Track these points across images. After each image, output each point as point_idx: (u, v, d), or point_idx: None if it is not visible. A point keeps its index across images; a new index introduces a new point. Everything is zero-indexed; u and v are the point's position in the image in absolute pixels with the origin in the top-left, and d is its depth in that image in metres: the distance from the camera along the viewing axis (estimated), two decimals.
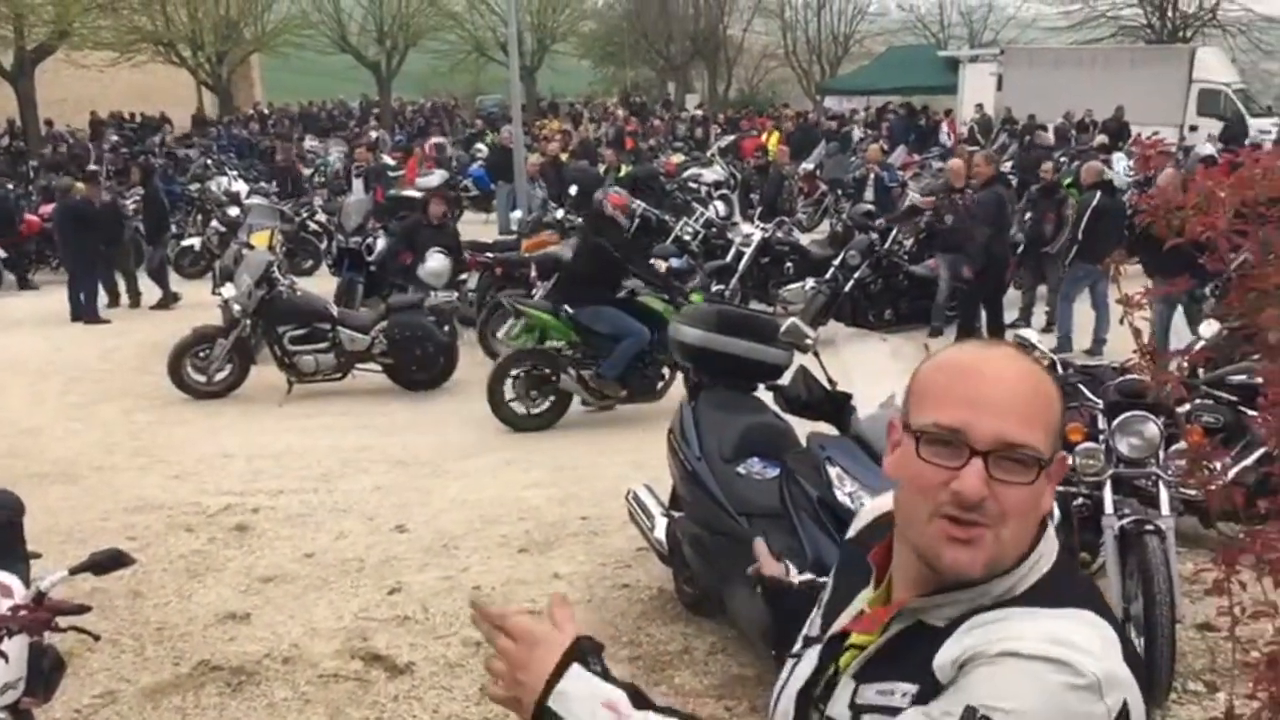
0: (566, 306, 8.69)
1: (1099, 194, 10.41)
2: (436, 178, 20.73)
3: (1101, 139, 19.21)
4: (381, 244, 12.37)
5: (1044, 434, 1.25)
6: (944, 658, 1.24)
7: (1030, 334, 5.73)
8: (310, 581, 5.78)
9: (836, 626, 1.41)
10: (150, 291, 14.22)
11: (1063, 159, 17.24)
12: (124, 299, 14.20)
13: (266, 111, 39.26)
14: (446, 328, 10.01)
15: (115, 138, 28.52)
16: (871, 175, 16.55)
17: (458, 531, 6.44)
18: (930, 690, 1.23)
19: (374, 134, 28.98)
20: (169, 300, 14.09)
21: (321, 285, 12.33)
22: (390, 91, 43.21)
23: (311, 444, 8.43)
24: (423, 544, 6.27)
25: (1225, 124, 25.21)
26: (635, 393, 8.75)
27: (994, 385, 1.25)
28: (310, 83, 46.94)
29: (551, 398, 8.72)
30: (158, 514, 6.81)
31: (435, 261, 10.87)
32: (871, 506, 1.59)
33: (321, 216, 16.26)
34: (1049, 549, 1.31)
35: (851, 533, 1.58)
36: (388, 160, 21.16)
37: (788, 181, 17.28)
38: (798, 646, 1.51)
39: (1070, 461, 4.70)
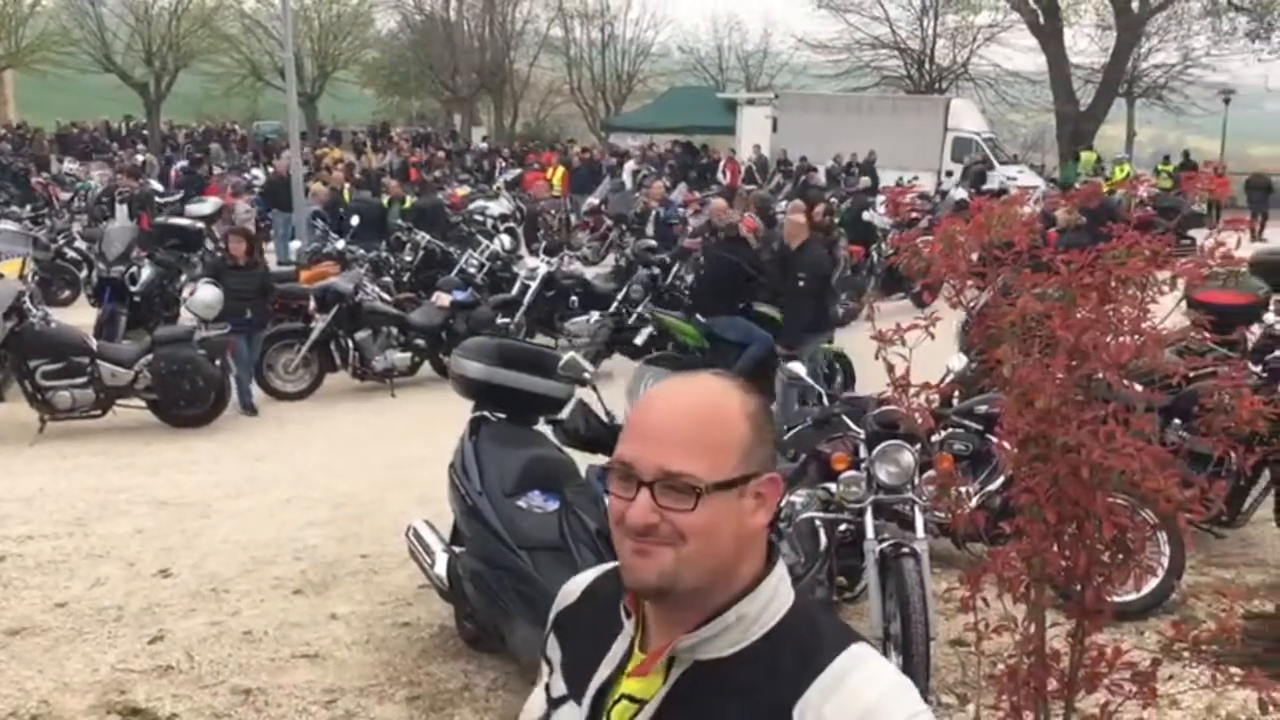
0: (699, 316, 9.58)
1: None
2: (209, 205, 19.92)
3: (865, 181, 20.33)
4: (147, 273, 11.80)
5: (709, 461, 1.29)
6: None
7: (798, 367, 5.99)
8: (62, 633, 5.41)
9: (599, 680, 1.41)
10: None
11: (833, 199, 18.15)
12: None
13: (23, 132, 36.75)
14: (218, 361, 9.60)
15: None
16: (653, 211, 16.96)
17: (228, 574, 6.17)
18: None
19: (140, 158, 27.59)
20: None
21: (81, 316, 11.60)
22: (159, 114, 41.25)
23: (66, 485, 7.91)
24: (189, 589, 5.97)
25: (965, 167, 27.08)
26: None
27: (662, 418, 1.32)
28: (70, 101, 44.29)
29: None
30: None
31: (206, 292, 10.42)
32: (568, 590, 1.59)
33: (81, 244, 15.32)
34: (781, 573, 1.38)
35: (563, 605, 1.57)
36: (155, 185, 20.19)
37: (543, 215, 17.54)
38: (537, 712, 1.52)
39: (835, 489, 4.94)
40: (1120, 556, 3.34)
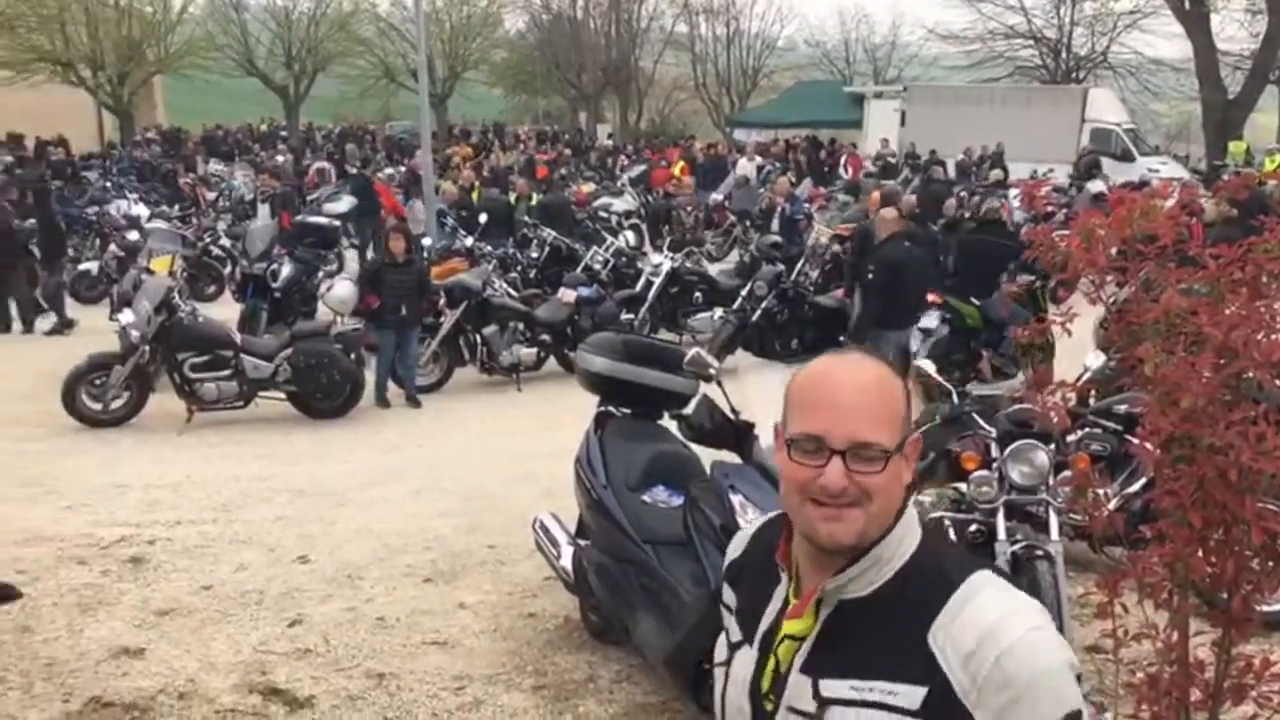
0: (973, 299, 10.12)
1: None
2: (345, 204, 20.52)
3: (997, 174, 19.80)
4: (287, 270, 12.21)
5: (889, 429, 1.50)
6: (949, 654, 1.43)
7: (927, 364, 5.88)
8: (208, 614, 5.65)
9: (766, 623, 1.61)
10: (44, 317, 13.81)
11: (963, 194, 17.74)
12: (16, 325, 13.77)
13: (177, 133, 38.51)
14: (353, 355, 9.90)
15: (9, 159, 27.66)
16: (778, 207, 16.83)
17: (362, 561, 6.36)
18: (942, 693, 1.42)
19: (280, 159, 28.59)
20: (64, 326, 13.69)
21: (225, 312, 12.11)
22: (299, 116, 42.68)
23: (212, 473, 8.25)
24: (326, 575, 6.17)
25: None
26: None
27: (848, 394, 1.50)
28: (215, 105, 46.14)
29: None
30: (48, 546, 6.60)
31: (341, 288, 10.75)
32: (738, 541, 1.81)
33: (225, 242, 15.99)
34: (912, 515, 1.57)
35: (733, 556, 1.79)
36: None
37: (674, 211, 17.52)
38: (723, 655, 1.70)
39: (965, 489, 4.84)
40: (1270, 564, 3.19)
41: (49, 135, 32.21)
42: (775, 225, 16.43)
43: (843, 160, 29.60)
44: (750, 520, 4.15)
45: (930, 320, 10.17)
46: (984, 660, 1.40)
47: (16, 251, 13.67)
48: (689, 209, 18.08)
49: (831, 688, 1.49)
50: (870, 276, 9.42)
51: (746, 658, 1.63)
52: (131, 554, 6.47)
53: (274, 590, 5.95)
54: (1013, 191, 16.58)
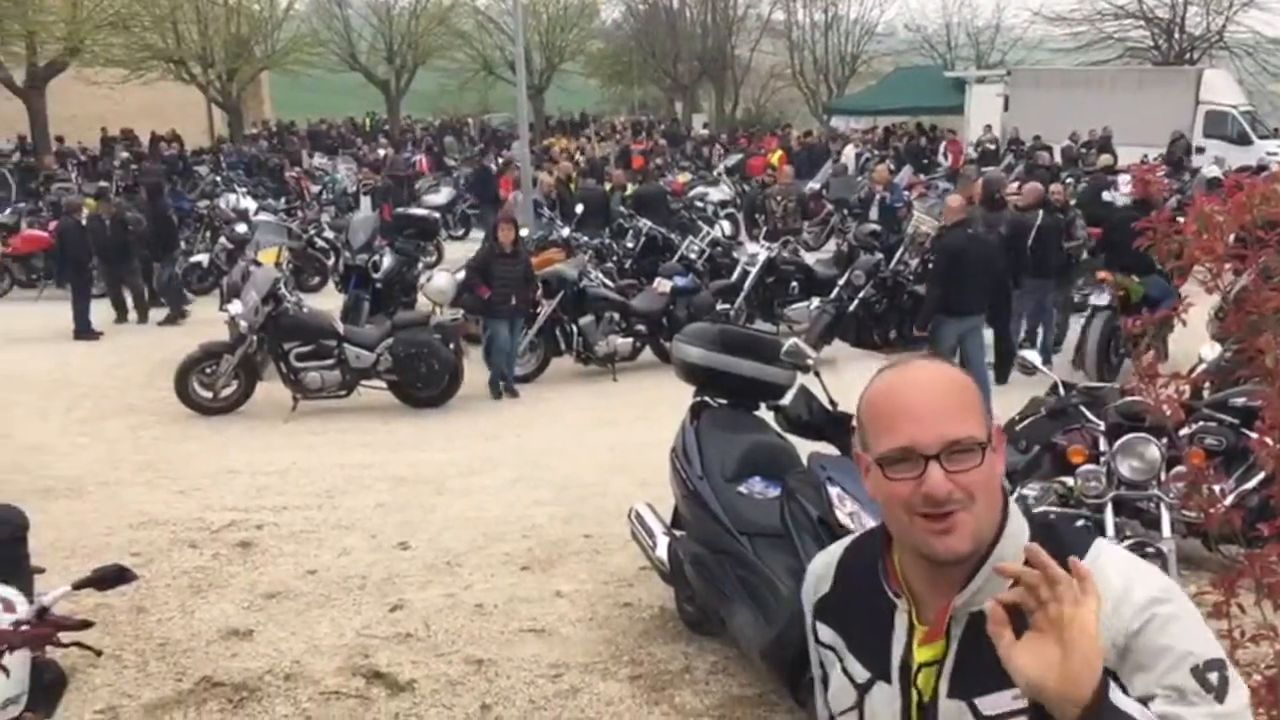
0: (1134, 276, 9.81)
1: (1040, 213, 10.83)
2: (443, 195, 20.83)
3: (1106, 159, 19.22)
4: (388, 261, 12.42)
5: (974, 420, 1.46)
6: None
7: (1033, 355, 5.74)
8: (313, 598, 5.79)
9: (898, 656, 1.53)
10: (159, 307, 14.31)
11: (1069, 179, 17.25)
12: (131, 315, 14.28)
13: (274, 128, 39.52)
14: (452, 345, 10.03)
15: (125, 154, 28.69)
16: (877, 195, 16.58)
17: (460, 549, 6.45)
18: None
19: (381, 152, 29.11)
20: (177, 316, 14.15)
21: (328, 302, 12.38)
22: (399, 110, 43.42)
23: (316, 461, 8.45)
24: (425, 561, 6.28)
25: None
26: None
27: (923, 398, 1.46)
28: (319, 100, 47.17)
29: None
30: (162, 529, 6.84)
31: (440, 279, 10.89)
32: (818, 576, 1.71)
33: (329, 234, 16.35)
34: (1015, 508, 1.52)
35: (821, 593, 1.69)
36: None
37: (769, 200, 17.31)
38: (848, 699, 1.61)
39: (1072, 484, 4.71)
40: None
41: (163, 131, 33.36)
42: (874, 213, 16.18)
43: (943, 147, 29.04)
44: (849, 513, 4.10)
45: (1101, 297, 10.11)
46: (1123, 623, 1.37)
47: (131, 245, 14.16)
48: (778, 198, 17.88)
49: (993, 704, 1.44)
50: (929, 266, 9.34)
51: (886, 694, 1.55)
52: (240, 538, 6.66)
53: (375, 575, 6.07)
54: (1123, 177, 16.08)
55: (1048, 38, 44.66)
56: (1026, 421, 6.04)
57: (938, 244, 9.46)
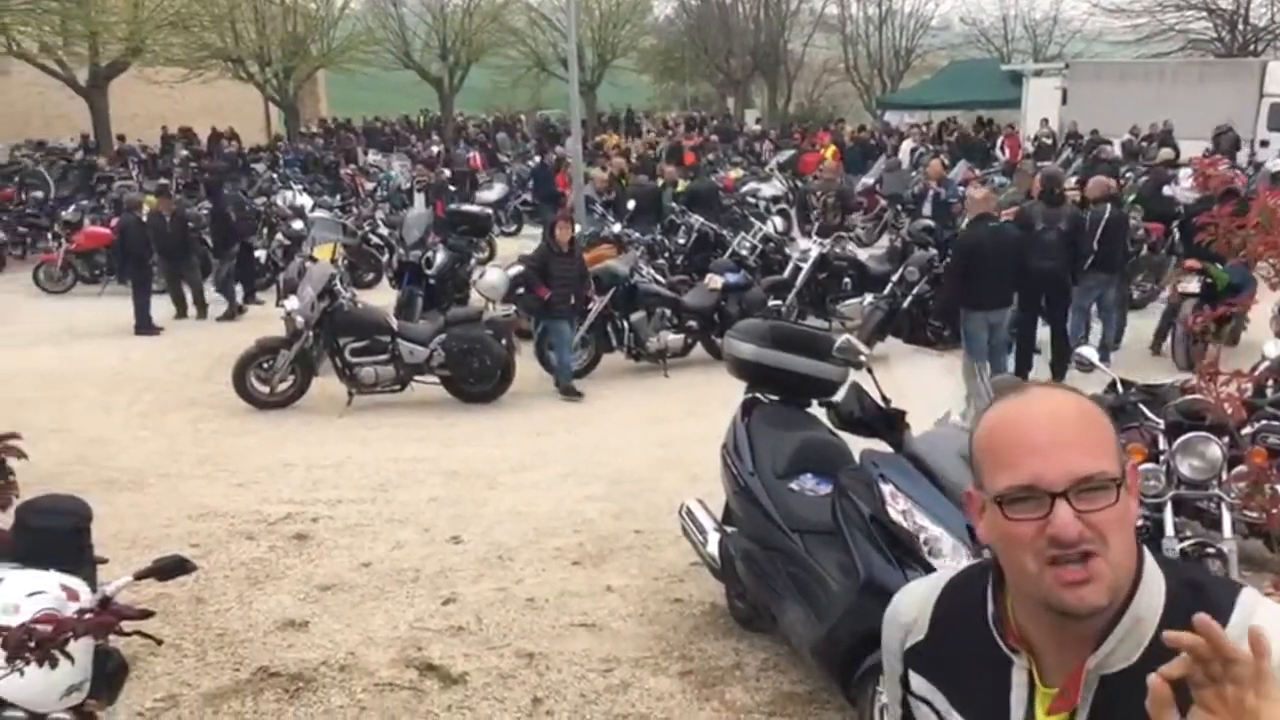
0: (1217, 264, 10.02)
1: (1108, 207, 10.60)
2: (496, 191, 20.94)
3: (1167, 153, 18.89)
4: (441, 257, 12.52)
5: (1106, 455, 1.30)
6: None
7: (1090, 352, 5.65)
8: (367, 591, 5.86)
9: (1018, 717, 1.38)
10: (218, 303, 14.54)
11: (1128, 174, 16.97)
12: (191, 310, 14.52)
13: (330, 126, 39.97)
14: (504, 341, 10.08)
15: (184, 152, 29.17)
16: (930, 191, 16.43)
17: (512, 543, 6.49)
18: None
19: (435, 149, 29.33)
20: (234, 312, 14.37)
21: (382, 298, 12.50)
22: (453, 107, 43.73)
23: (370, 455, 8.54)
24: (477, 555, 6.33)
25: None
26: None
27: (1050, 429, 1.31)
28: (374, 98, 47.61)
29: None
30: (220, 521, 6.95)
31: (493, 275, 10.95)
32: (908, 619, 1.54)
33: (383, 230, 16.51)
34: (1148, 555, 1.36)
35: (915, 640, 1.53)
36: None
37: (809, 195, 17.22)
38: None
39: None
40: None
41: (221, 129, 33.88)
42: (927, 209, 16.02)
43: (999, 141, 28.68)
44: (901, 510, 4.07)
45: (1192, 285, 10.13)
46: None
47: (190, 242, 14.39)
48: (818, 193, 17.79)
49: None
50: (947, 259, 9.32)
51: None
52: (296, 530, 6.76)
53: (429, 569, 6.12)
54: (1184, 171, 15.81)
55: (1107, 30, 43.95)
56: None
57: (955, 239, 9.39)
